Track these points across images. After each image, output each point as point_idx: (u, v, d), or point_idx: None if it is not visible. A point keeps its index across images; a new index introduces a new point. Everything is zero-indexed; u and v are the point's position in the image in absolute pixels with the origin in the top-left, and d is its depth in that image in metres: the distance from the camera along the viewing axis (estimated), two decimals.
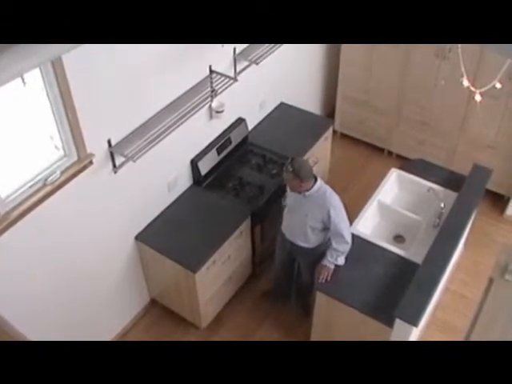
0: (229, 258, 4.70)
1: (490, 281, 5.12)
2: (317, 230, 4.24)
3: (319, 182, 4.08)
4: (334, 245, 4.17)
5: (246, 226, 4.75)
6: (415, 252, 4.33)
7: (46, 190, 3.46)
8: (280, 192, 4.84)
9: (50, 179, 3.46)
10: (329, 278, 4.16)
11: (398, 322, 3.80)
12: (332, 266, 4.19)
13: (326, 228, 4.22)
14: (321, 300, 4.24)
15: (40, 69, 3.14)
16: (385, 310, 3.88)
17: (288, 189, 4.22)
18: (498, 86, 3.89)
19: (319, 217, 4.13)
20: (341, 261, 4.21)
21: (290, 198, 4.29)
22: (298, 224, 4.27)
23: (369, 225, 4.72)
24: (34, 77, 3.16)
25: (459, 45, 3.61)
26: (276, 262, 4.88)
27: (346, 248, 4.19)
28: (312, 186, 4.05)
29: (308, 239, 4.30)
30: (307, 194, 4.07)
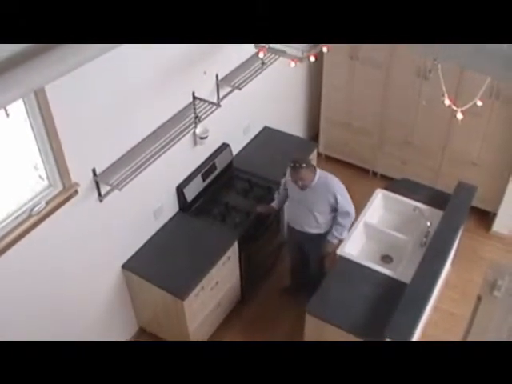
0: (217, 284, 4.68)
1: (479, 298, 5.12)
2: (325, 213, 4.55)
3: (318, 169, 4.47)
4: (340, 220, 4.51)
5: (233, 251, 4.74)
6: (403, 272, 4.34)
7: (31, 221, 3.44)
8: (265, 216, 4.92)
9: (35, 210, 3.44)
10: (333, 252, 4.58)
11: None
12: (336, 241, 4.59)
13: (333, 209, 4.53)
14: (310, 322, 4.23)
15: (23, 100, 3.15)
16: (375, 331, 3.87)
17: (290, 184, 4.51)
18: (479, 103, 3.94)
19: (326, 202, 4.47)
20: (345, 235, 4.59)
21: (293, 190, 4.52)
22: (307, 213, 4.55)
23: (356, 246, 4.73)
24: (17, 108, 3.16)
25: (439, 65, 3.66)
26: (289, 258, 5.17)
27: (350, 222, 4.57)
28: (315, 176, 4.40)
29: (319, 224, 4.59)
30: (312, 184, 4.37)
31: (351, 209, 4.50)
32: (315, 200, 4.47)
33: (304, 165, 4.28)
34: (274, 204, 4.89)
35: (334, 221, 4.57)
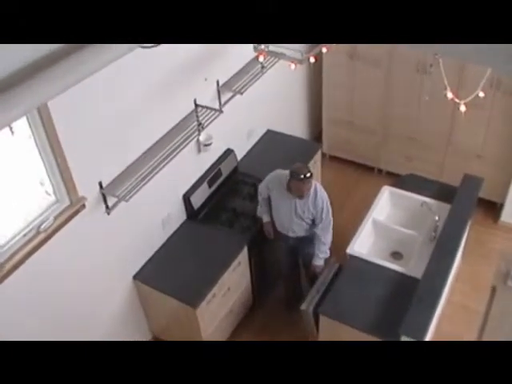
0: (229, 290, 4.68)
1: (493, 289, 5.11)
2: (310, 220, 4.54)
3: None
4: (322, 238, 4.54)
5: (243, 256, 4.74)
6: (414, 267, 4.34)
7: (40, 238, 3.44)
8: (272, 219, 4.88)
9: (43, 226, 3.45)
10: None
11: (403, 339, 3.78)
12: (323, 262, 4.64)
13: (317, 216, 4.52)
14: (324, 323, 4.22)
15: (27, 117, 3.16)
16: (389, 329, 3.86)
17: (278, 193, 4.47)
18: (482, 94, 3.94)
19: (315, 209, 4.45)
20: (328, 253, 4.64)
21: (281, 199, 4.48)
22: (299, 221, 4.53)
23: (365, 244, 4.72)
24: (21, 125, 3.17)
25: (440, 59, 3.66)
26: (283, 268, 5.07)
27: (330, 236, 4.60)
28: None
29: (310, 227, 4.59)
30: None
31: (331, 222, 4.54)
32: (306, 208, 4.44)
33: (311, 172, 4.26)
34: (266, 218, 4.76)
35: (315, 239, 4.57)
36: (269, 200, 4.64)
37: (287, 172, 4.36)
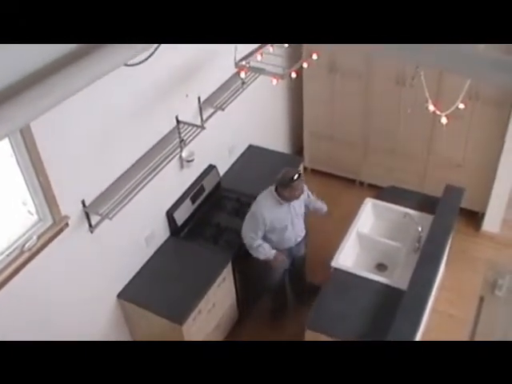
0: (214, 306, 4.66)
1: (481, 299, 5.14)
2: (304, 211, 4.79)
3: None
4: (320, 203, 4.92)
5: (227, 271, 4.73)
6: (399, 279, 4.35)
7: (24, 257, 3.41)
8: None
9: (27, 245, 3.42)
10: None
11: None
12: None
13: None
14: (310, 337, 4.20)
15: (8, 136, 3.13)
16: (376, 340, 3.87)
17: (277, 211, 4.47)
18: (462, 106, 3.98)
19: (305, 201, 4.73)
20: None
21: (281, 214, 4.49)
22: (299, 221, 4.69)
23: (350, 256, 4.73)
24: (2, 144, 3.15)
25: (422, 72, 3.71)
26: (275, 281, 5.02)
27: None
28: None
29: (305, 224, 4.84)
30: None
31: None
32: (300, 204, 4.62)
33: (299, 171, 4.51)
34: (273, 250, 4.58)
35: (311, 208, 4.92)
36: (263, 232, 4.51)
37: (271, 188, 4.40)
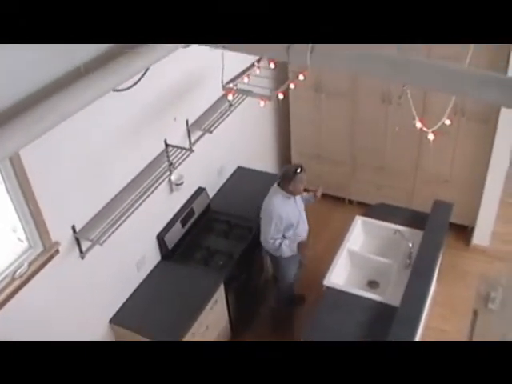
0: (207, 329, 4.64)
1: (475, 312, 5.15)
2: None
3: None
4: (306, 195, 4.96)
5: (219, 293, 4.71)
6: (391, 295, 4.36)
7: (15, 284, 3.39)
8: (247, 255, 4.92)
9: (18, 273, 3.40)
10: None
11: None
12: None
13: None
14: None
15: None
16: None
17: (289, 207, 4.61)
18: (448, 122, 4.03)
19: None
20: None
21: (289, 213, 4.60)
22: (304, 215, 4.86)
23: (341, 274, 4.74)
24: None
25: (408, 90, 3.75)
26: (291, 279, 5.07)
27: None
28: None
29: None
30: None
31: None
32: (300, 198, 4.80)
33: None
34: (293, 243, 4.78)
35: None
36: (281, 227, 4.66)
37: (275, 186, 4.59)
